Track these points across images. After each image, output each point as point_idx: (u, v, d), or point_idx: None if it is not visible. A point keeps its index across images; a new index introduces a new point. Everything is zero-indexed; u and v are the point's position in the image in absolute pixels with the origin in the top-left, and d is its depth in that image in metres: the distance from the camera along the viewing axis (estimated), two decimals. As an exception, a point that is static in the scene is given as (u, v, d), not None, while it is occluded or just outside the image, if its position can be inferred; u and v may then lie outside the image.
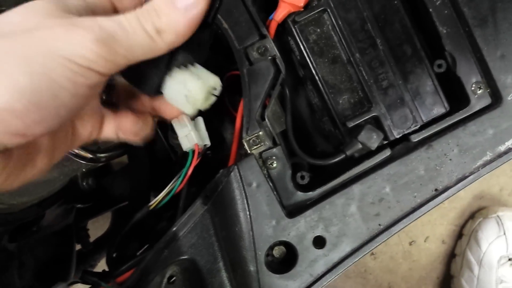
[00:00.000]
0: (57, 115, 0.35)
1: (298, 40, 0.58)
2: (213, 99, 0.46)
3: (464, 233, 1.15)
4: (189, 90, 0.42)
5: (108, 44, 0.35)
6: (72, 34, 0.34)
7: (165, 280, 0.49)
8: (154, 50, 0.38)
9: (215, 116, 0.74)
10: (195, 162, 0.54)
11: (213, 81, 0.45)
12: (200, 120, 0.57)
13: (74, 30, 0.34)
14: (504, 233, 1.07)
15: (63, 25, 0.34)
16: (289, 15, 0.58)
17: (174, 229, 0.51)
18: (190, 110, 0.44)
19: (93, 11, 0.39)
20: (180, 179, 0.54)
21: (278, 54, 0.56)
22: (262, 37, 0.56)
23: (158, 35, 0.37)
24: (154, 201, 0.54)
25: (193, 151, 0.54)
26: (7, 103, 0.32)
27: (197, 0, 0.37)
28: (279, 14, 0.57)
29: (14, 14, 0.35)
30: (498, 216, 1.10)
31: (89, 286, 0.54)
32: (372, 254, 1.16)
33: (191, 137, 0.54)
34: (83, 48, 0.34)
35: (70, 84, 0.35)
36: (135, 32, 0.36)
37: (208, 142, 0.56)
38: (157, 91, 0.43)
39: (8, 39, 0.33)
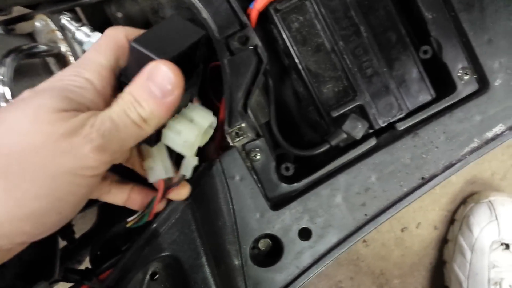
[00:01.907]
0: (60, 221, 0.39)
1: (281, 28, 0.57)
2: (210, 133, 0.48)
3: (456, 219, 1.15)
4: (185, 140, 0.44)
5: (106, 147, 0.37)
6: (74, 147, 0.36)
7: (147, 277, 0.49)
8: (143, 136, 0.41)
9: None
10: (160, 197, 0.48)
11: (207, 122, 0.46)
12: (162, 149, 0.49)
13: (75, 141, 0.36)
14: (496, 218, 1.07)
15: (66, 138, 0.35)
16: (271, 3, 0.56)
17: (155, 225, 0.50)
18: (189, 153, 0.46)
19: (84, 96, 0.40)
20: (146, 216, 0.49)
21: (259, 43, 0.54)
22: (243, 26, 0.54)
23: (144, 123, 0.39)
24: (131, 220, 0.50)
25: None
26: (16, 226, 0.35)
27: (172, 88, 0.39)
28: (260, 2, 0.56)
29: (22, 121, 0.36)
30: (490, 201, 1.09)
31: (72, 284, 0.54)
32: (364, 241, 1.16)
33: (156, 171, 0.48)
34: (86, 159, 0.36)
35: (74, 196, 0.37)
36: (125, 126, 0.38)
37: (171, 174, 0.49)
38: (157, 142, 0.45)
39: (20, 160, 0.35)
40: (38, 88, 0.39)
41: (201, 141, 0.47)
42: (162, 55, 0.39)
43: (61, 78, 0.40)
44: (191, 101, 0.47)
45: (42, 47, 0.50)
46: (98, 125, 0.37)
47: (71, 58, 0.52)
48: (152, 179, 0.48)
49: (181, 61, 0.40)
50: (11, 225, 0.35)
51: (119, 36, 0.43)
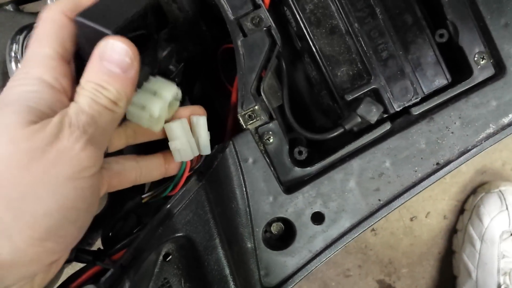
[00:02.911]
0: (80, 229, 0.38)
1: (294, 10, 0.56)
2: (176, 105, 0.47)
3: (466, 208, 1.14)
4: (150, 115, 0.42)
5: (93, 141, 0.36)
6: (64, 153, 0.34)
7: (160, 257, 0.48)
8: (117, 119, 0.39)
9: (212, 92, 0.72)
10: (186, 175, 0.51)
11: (170, 93, 0.44)
12: (202, 122, 0.50)
13: (62, 146, 0.34)
14: (507, 208, 1.06)
15: (51, 147, 0.34)
16: (285, -16, 0.56)
17: (168, 206, 0.50)
18: (157, 128, 0.44)
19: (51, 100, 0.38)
20: (171, 187, 0.51)
21: (273, 24, 0.54)
22: (257, 6, 0.53)
23: (115, 106, 0.38)
24: (147, 196, 0.51)
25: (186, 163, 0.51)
26: (39, 247, 0.35)
27: (131, 61, 0.38)
28: (274, -17, 0.55)
29: None
30: (500, 190, 1.09)
31: (84, 264, 0.54)
32: (373, 230, 1.16)
33: (184, 152, 0.48)
34: (80, 160, 0.35)
35: (83, 201, 0.36)
36: (100, 114, 0.37)
37: (207, 152, 0.50)
38: (122, 121, 0.43)
39: (14, 187, 0.33)
40: None
41: (167, 114, 0.46)
42: (110, 25, 0.37)
43: (13, 85, 0.37)
44: (152, 74, 0.46)
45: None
46: (75, 122, 0.35)
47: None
48: (179, 159, 0.48)
49: (131, 30, 0.39)
50: (34, 248, 0.35)
51: (56, 16, 0.39)
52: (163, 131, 0.48)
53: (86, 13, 0.38)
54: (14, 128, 0.34)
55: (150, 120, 0.43)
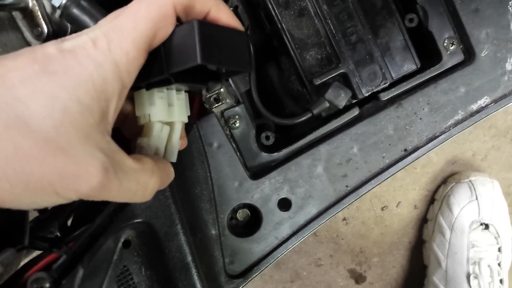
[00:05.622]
0: None
1: (262, -10, 0.55)
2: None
3: (436, 198, 1.15)
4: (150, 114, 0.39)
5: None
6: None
7: (119, 244, 0.46)
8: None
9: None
10: None
11: (180, 119, 0.41)
12: (178, 126, 0.42)
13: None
14: (476, 198, 1.07)
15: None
16: (253, -37, 0.54)
17: (127, 190, 0.48)
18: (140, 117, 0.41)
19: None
20: None
21: (240, 5, 0.52)
22: (223, -14, 0.52)
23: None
24: None
25: None
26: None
27: None
28: (242, -38, 0.53)
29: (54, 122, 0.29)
30: (470, 181, 1.09)
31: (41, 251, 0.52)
32: (344, 219, 1.16)
33: (146, 153, 0.40)
34: None
35: None
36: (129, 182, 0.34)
37: (173, 159, 0.42)
38: None
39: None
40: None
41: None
42: (206, 58, 0.33)
43: (77, 54, 0.31)
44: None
45: (8, 0, 0.47)
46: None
47: (39, 13, 0.49)
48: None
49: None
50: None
51: (166, 3, 0.34)
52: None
53: (205, 26, 0.34)
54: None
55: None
